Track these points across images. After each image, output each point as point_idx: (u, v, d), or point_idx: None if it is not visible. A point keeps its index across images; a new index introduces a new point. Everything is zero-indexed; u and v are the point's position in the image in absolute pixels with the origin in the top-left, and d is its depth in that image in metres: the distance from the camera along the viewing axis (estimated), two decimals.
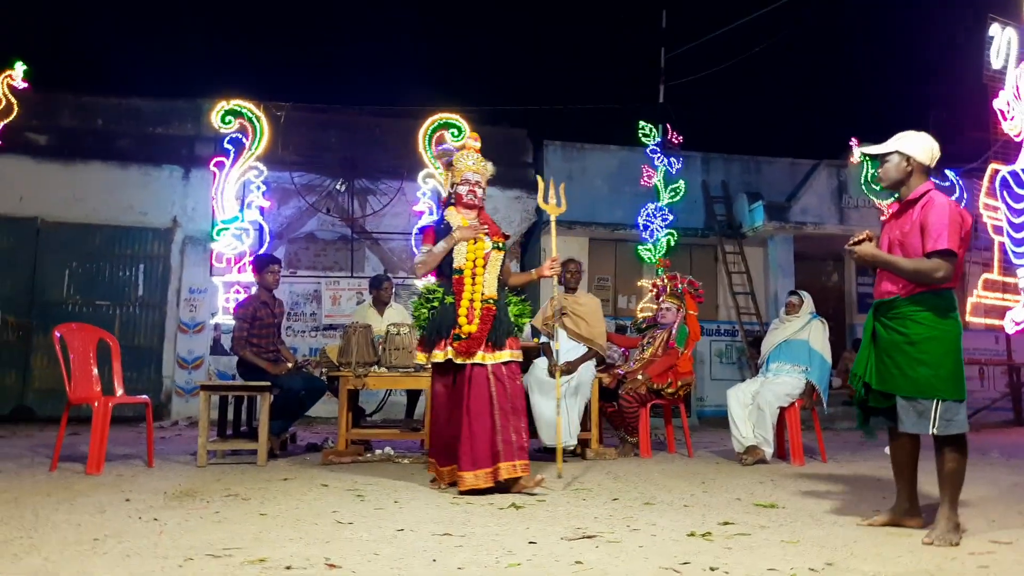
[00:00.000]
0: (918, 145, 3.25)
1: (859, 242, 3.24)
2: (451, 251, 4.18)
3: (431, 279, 4.52)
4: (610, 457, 5.61)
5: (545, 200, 4.74)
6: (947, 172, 11.35)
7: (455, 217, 4.28)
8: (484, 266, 4.19)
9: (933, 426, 3.04)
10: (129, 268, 9.76)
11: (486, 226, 4.30)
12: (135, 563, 2.50)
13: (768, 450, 5.44)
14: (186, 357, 9.70)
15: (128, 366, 9.44)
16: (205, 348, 9.72)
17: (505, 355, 4.15)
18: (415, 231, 9.59)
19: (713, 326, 11.36)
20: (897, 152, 3.26)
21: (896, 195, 3.37)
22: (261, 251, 9.11)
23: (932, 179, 3.34)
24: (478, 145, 4.42)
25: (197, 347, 9.72)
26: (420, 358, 4.33)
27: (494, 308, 4.15)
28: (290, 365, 5.67)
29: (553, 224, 4.73)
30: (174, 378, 9.66)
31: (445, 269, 4.22)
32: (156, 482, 4.31)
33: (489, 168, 4.39)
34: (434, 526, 3.13)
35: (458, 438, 4.02)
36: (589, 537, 2.97)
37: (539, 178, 4.88)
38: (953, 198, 11.93)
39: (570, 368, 5.56)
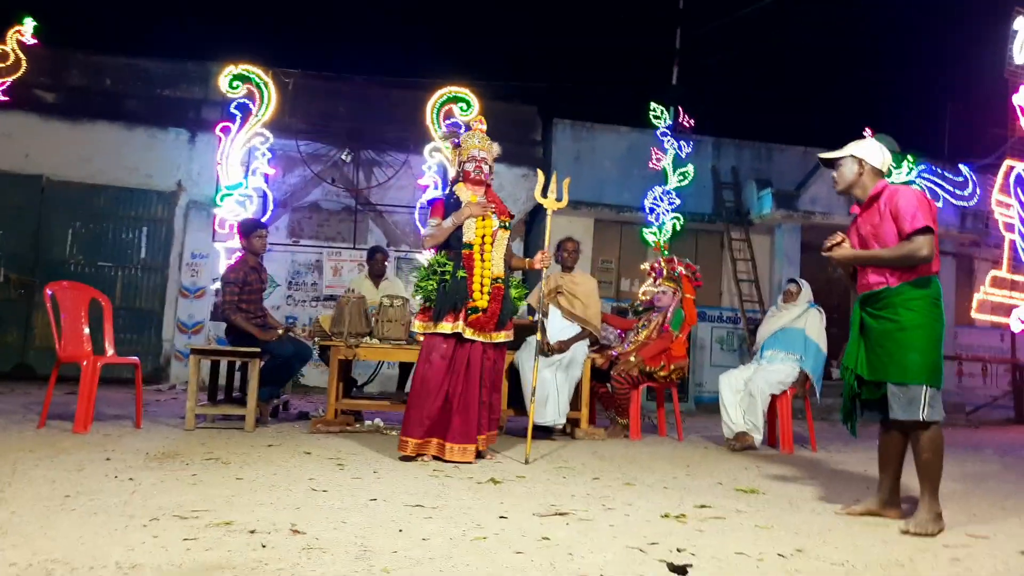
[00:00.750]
0: (870, 150, 3.34)
1: (832, 247, 3.27)
2: (461, 226, 4.25)
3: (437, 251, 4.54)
4: (599, 437, 5.59)
5: (544, 194, 4.64)
6: (961, 167, 11.18)
7: (464, 193, 4.35)
8: (492, 243, 4.27)
9: (922, 412, 3.03)
10: (132, 230, 9.76)
11: (493, 204, 4.36)
12: (100, 520, 2.49)
13: (758, 437, 5.41)
14: (186, 321, 9.73)
15: (128, 328, 9.58)
16: (206, 313, 9.74)
17: (502, 336, 4.33)
18: (419, 205, 9.55)
19: (716, 312, 11.30)
20: (851, 156, 3.34)
21: (856, 200, 3.38)
22: (264, 218, 9.10)
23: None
24: (484, 127, 4.50)
25: (198, 312, 9.74)
26: (419, 326, 4.30)
27: (503, 288, 4.26)
28: (280, 332, 5.65)
29: (549, 219, 4.64)
30: (174, 342, 9.69)
31: (454, 243, 4.28)
32: (140, 443, 4.32)
33: (495, 148, 4.48)
34: (408, 497, 3.12)
35: (449, 410, 4.11)
36: (562, 514, 2.95)
37: (539, 172, 4.80)
38: (967, 192, 11.70)
39: (562, 347, 5.54)
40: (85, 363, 4.72)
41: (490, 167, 4.44)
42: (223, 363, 5.90)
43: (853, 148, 3.35)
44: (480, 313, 4.16)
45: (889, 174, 3.42)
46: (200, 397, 5.93)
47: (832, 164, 3.40)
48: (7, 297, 9.22)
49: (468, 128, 4.60)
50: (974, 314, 11.18)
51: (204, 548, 2.23)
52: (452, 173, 4.60)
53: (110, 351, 5.17)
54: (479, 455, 4.23)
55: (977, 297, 11.00)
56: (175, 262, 9.80)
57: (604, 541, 2.57)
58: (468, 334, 4.16)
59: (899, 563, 2.50)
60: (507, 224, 4.38)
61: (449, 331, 4.15)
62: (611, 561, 2.32)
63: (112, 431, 4.75)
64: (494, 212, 4.31)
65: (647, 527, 2.82)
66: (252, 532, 2.43)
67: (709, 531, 2.80)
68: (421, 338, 4.31)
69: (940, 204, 10.61)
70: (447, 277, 4.19)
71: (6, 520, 2.45)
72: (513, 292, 4.41)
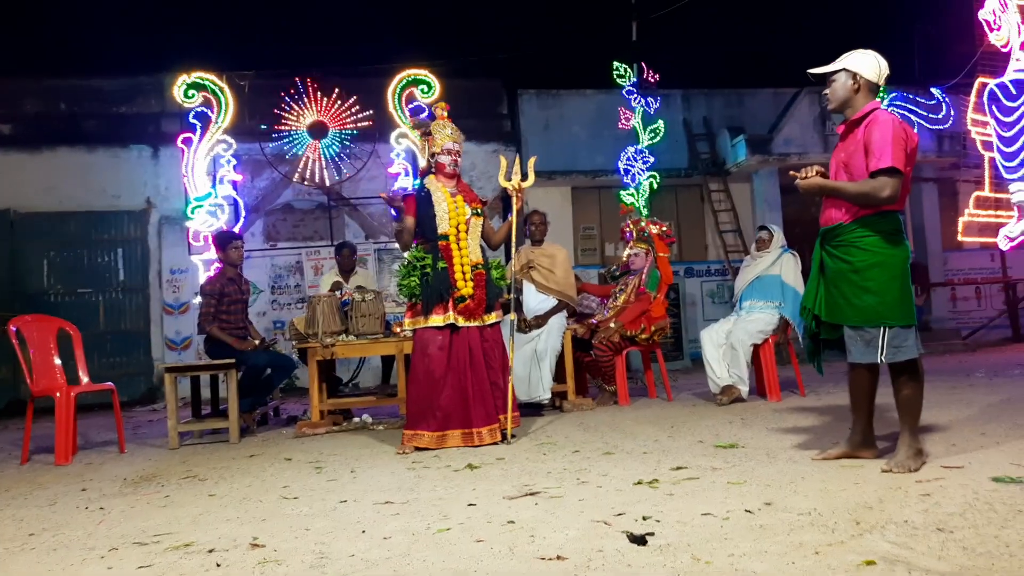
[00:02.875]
0: (865, 62, 3.14)
1: (804, 178, 3.14)
2: (435, 218, 4.26)
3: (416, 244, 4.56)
4: (588, 407, 5.57)
5: (507, 177, 4.54)
6: (933, 90, 11.04)
7: (435, 185, 4.37)
8: (467, 231, 4.32)
9: (881, 354, 2.97)
10: (108, 253, 9.70)
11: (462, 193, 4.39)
12: (58, 557, 2.46)
13: (744, 388, 5.38)
14: (174, 338, 9.70)
15: (117, 352, 9.56)
16: (192, 328, 9.69)
17: (493, 317, 4.39)
18: (393, 191, 9.46)
19: (703, 267, 11.25)
20: (844, 70, 3.15)
21: (843, 117, 3.23)
22: (237, 226, 9.03)
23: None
24: (445, 114, 4.51)
25: (184, 327, 9.70)
26: (409, 323, 4.34)
27: (484, 273, 4.33)
28: (256, 342, 5.61)
29: (515, 201, 4.48)
30: (164, 360, 9.66)
31: (430, 235, 4.30)
32: (120, 468, 4.29)
33: (462, 137, 4.51)
34: (378, 495, 3.09)
35: (466, 399, 4.15)
36: (532, 494, 2.92)
37: (502, 158, 4.75)
38: (941, 115, 11.52)
39: (539, 322, 5.50)
40: (59, 395, 4.69)
41: (460, 157, 4.48)
42: (206, 377, 5.86)
43: (847, 60, 3.15)
44: (468, 301, 4.21)
45: (883, 91, 3.24)
46: (186, 413, 5.93)
47: (824, 80, 3.20)
48: None
49: (432, 115, 4.58)
50: (961, 237, 11.11)
51: (157, 575, 2.20)
52: (423, 163, 4.58)
53: (84, 379, 5.13)
54: (504, 436, 4.21)
55: (962, 220, 10.91)
56: (155, 280, 9.75)
57: (570, 518, 2.53)
58: (461, 322, 4.21)
59: (867, 505, 2.47)
60: (479, 211, 4.42)
61: (442, 323, 4.19)
62: (572, 538, 2.29)
63: (95, 459, 4.73)
64: (465, 200, 4.35)
65: (617, 497, 2.78)
66: (211, 551, 2.40)
67: (679, 494, 2.77)
68: (411, 333, 4.37)
69: (916, 129, 10.49)
70: (428, 270, 4.22)
71: None
72: (494, 273, 4.44)
